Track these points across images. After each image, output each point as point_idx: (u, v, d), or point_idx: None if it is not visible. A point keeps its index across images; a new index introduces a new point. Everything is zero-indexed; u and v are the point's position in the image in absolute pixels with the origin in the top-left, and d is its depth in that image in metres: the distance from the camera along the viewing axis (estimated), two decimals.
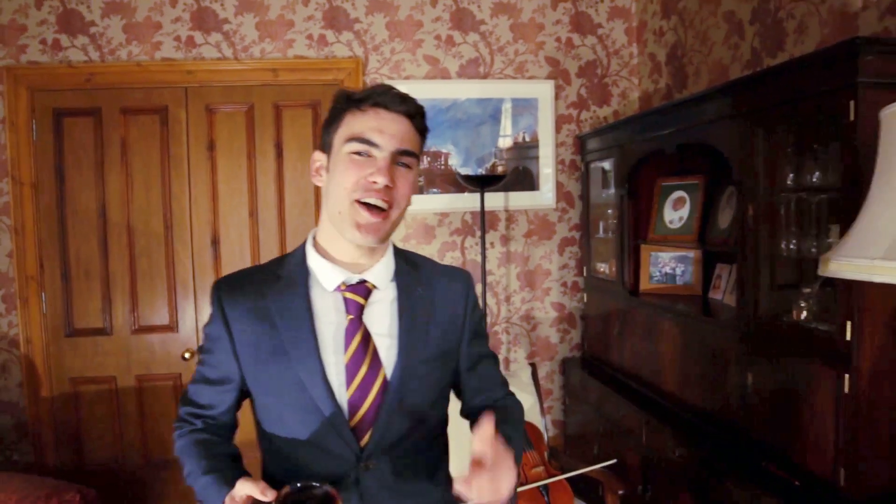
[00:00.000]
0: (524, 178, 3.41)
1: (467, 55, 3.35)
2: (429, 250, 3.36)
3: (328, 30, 3.24)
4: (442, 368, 1.23)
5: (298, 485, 0.89)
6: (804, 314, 1.81)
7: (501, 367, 3.40)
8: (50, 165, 3.14)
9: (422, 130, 1.17)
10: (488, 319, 3.41)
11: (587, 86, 3.47)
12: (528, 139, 3.40)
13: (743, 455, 2.00)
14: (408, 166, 1.12)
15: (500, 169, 3.36)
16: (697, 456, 2.15)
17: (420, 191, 3.33)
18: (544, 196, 3.42)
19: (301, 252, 1.21)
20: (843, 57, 1.56)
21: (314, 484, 0.89)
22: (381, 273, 1.19)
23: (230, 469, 1.09)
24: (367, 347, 1.13)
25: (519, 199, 3.40)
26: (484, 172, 3.32)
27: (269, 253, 3.26)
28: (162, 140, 3.19)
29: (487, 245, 3.40)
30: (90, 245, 3.19)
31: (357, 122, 1.10)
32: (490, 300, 3.43)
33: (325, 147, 1.16)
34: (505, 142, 3.39)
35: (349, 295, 1.15)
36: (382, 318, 1.17)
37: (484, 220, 3.09)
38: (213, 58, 3.17)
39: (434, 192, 3.33)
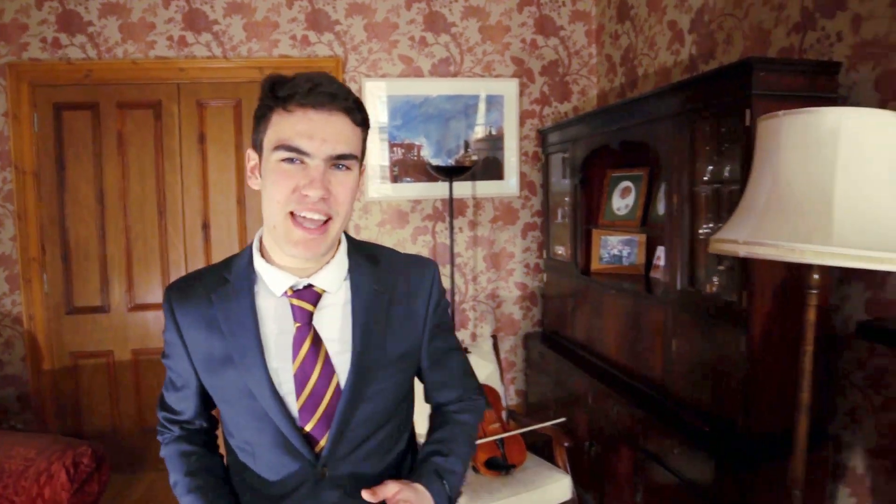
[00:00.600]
0: (491, 168, 3.71)
1: (439, 55, 3.63)
2: (402, 234, 3.65)
3: (310, 31, 3.51)
4: (402, 372, 1.17)
5: None
6: (716, 287, 2.14)
7: (468, 341, 3.69)
8: (51, 156, 3.38)
9: (362, 122, 1.05)
10: (456, 298, 3.72)
11: (549, 83, 3.77)
12: (494, 132, 3.70)
13: (668, 409, 2.33)
14: (347, 167, 1.02)
15: (473, 158, 3.65)
16: (633, 413, 2.48)
17: (395, 180, 3.62)
18: (509, 185, 3.73)
19: (248, 254, 1.14)
20: (742, 73, 1.88)
21: None
22: (331, 276, 1.11)
23: (212, 489, 1.14)
24: (318, 354, 1.07)
25: (486, 188, 3.71)
26: (453, 163, 3.61)
27: (254, 236, 3.53)
28: (156, 132, 3.44)
29: (456, 230, 3.71)
30: (89, 229, 3.44)
31: (284, 126, 0.98)
32: (458, 280, 3.74)
33: (256, 147, 1.06)
34: (478, 131, 3.68)
35: (296, 302, 1.08)
36: (334, 322, 1.11)
37: (452, 206, 3.38)
38: (203, 56, 3.42)
39: (407, 181, 3.63)
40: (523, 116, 3.75)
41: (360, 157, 1.06)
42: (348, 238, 1.20)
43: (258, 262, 1.11)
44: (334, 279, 1.11)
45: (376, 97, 3.53)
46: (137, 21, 3.38)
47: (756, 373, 1.94)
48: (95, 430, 3.51)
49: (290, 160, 0.99)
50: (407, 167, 3.63)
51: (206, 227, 3.51)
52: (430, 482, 1.11)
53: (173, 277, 3.45)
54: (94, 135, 3.40)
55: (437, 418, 1.29)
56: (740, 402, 1.98)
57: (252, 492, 1.14)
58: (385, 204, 3.63)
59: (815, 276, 1.54)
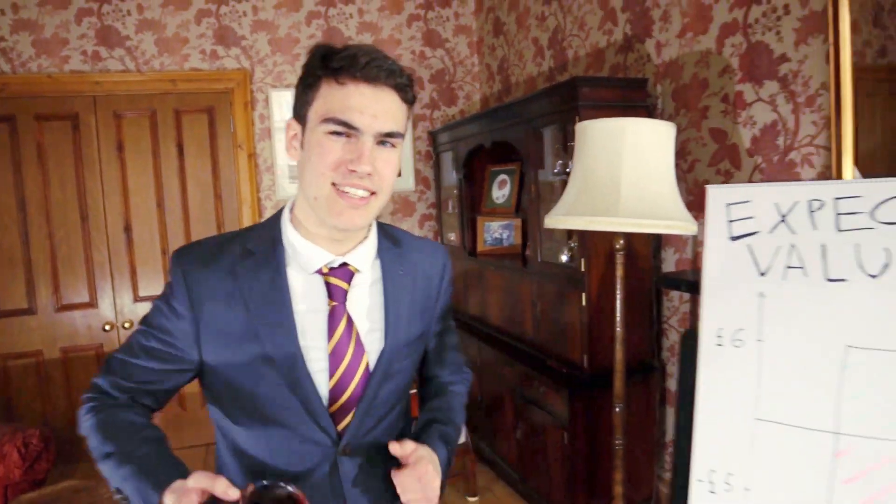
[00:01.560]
0: None
1: None
2: None
3: (219, 45, 3.84)
4: (417, 351, 1.19)
5: (264, 482, 0.84)
6: (565, 258, 2.68)
7: None
8: None
9: (410, 100, 1.04)
10: None
11: (438, 90, 4.26)
12: None
13: (538, 360, 2.87)
14: (392, 145, 1.00)
15: None
16: (513, 368, 3.00)
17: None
18: (406, 181, 4.20)
19: (275, 226, 1.09)
20: (572, 88, 2.41)
21: (280, 483, 0.85)
22: (365, 255, 1.10)
23: (166, 458, 0.97)
24: (351, 334, 1.06)
25: None
26: None
27: (175, 236, 3.84)
28: (75, 143, 3.68)
29: None
30: (11, 236, 3.63)
31: (335, 98, 0.95)
32: None
33: (300, 116, 1.02)
34: None
35: (333, 280, 1.06)
36: (363, 301, 1.10)
37: None
38: (117, 70, 3.69)
39: None
40: (416, 120, 4.22)
41: (404, 135, 1.04)
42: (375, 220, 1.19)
43: (293, 237, 1.07)
44: (367, 259, 1.10)
45: (283, 106, 3.91)
46: (51, 37, 3.60)
47: (593, 322, 2.49)
48: (27, 425, 3.69)
49: (338, 133, 0.96)
50: None
51: (128, 229, 3.78)
52: (436, 445, 1.11)
53: (99, 278, 3.72)
54: (13, 146, 3.59)
55: (432, 388, 1.31)
56: (585, 346, 2.53)
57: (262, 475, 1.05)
58: None
59: (620, 241, 2.09)
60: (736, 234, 0.99)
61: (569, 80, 2.42)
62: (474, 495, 3.14)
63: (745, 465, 0.87)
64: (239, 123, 3.86)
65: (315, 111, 0.97)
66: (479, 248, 3.61)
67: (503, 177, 3.52)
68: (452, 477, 3.15)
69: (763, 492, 0.87)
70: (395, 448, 1.01)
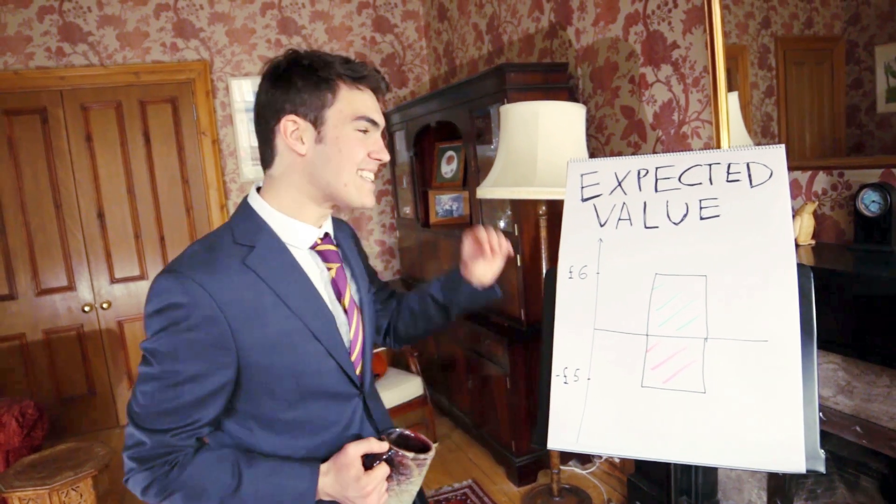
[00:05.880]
0: None
1: None
2: None
3: (178, 38, 4.04)
4: (373, 296, 1.40)
5: (394, 431, 1.13)
6: (503, 224, 3.01)
7: None
8: None
9: None
10: None
11: (389, 73, 4.52)
12: None
13: (483, 317, 3.21)
14: None
15: None
16: (462, 325, 3.34)
17: None
18: None
19: (253, 217, 1.14)
20: (499, 73, 2.72)
21: (403, 430, 1.14)
22: (331, 226, 1.25)
23: (283, 459, 1.10)
24: (351, 292, 1.23)
25: None
26: None
27: (146, 220, 4.09)
28: (45, 135, 3.87)
29: None
30: None
31: (360, 102, 1.11)
32: None
33: (306, 113, 1.09)
34: None
35: (327, 247, 1.20)
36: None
37: None
38: (81, 65, 3.88)
39: None
40: None
41: None
42: None
43: (285, 222, 1.14)
44: (332, 229, 1.26)
45: (242, 93, 4.14)
46: (14, 35, 3.77)
47: (528, 279, 2.84)
48: (24, 398, 3.93)
49: (365, 130, 1.12)
50: None
51: (101, 215, 4.01)
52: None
53: (76, 262, 3.96)
54: None
55: (402, 296, 1.55)
56: (521, 301, 2.87)
57: (306, 443, 1.15)
58: (259, 182, 4.26)
59: (542, 207, 2.42)
60: (585, 196, 1.30)
61: (497, 66, 2.72)
62: (434, 442, 3.50)
63: (587, 362, 1.21)
64: (201, 111, 4.09)
65: (339, 111, 1.08)
66: (432, 219, 3.92)
67: (450, 153, 3.83)
68: (413, 426, 3.51)
69: (599, 380, 1.21)
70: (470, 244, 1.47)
